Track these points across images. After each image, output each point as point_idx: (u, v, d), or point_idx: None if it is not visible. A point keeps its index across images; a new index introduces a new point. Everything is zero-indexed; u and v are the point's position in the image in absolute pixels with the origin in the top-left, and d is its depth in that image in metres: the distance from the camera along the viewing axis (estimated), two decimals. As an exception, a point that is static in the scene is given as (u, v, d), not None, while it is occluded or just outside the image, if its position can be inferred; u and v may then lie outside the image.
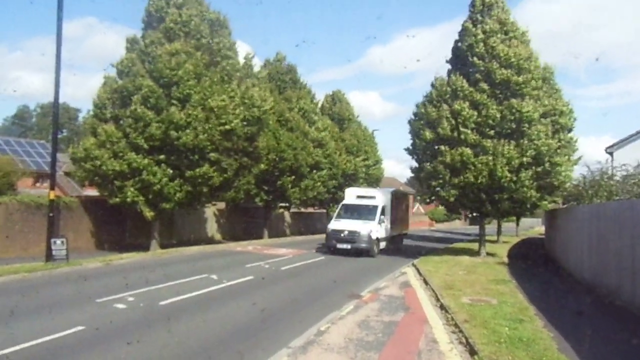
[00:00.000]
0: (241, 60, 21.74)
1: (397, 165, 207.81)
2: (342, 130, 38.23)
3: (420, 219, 69.02)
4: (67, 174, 27.27)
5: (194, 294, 10.85)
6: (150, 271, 13.90)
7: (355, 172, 37.07)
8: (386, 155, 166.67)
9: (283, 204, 31.18)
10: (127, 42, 20.14)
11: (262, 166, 24.30)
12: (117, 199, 18.62)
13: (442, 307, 9.99)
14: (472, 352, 6.80)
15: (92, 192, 24.01)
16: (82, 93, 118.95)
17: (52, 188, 15.62)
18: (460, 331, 7.88)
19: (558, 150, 18.22)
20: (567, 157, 19.02)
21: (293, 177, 27.84)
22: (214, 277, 13.23)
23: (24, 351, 6.63)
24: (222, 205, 29.62)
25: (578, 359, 6.34)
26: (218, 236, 29.64)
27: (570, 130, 20.04)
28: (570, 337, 7.46)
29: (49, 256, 14.71)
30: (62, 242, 15.12)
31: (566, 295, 11.91)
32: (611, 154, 26.16)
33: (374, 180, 40.70)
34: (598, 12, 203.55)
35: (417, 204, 73.77)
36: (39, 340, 7.04)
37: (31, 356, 6.51)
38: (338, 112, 39.19)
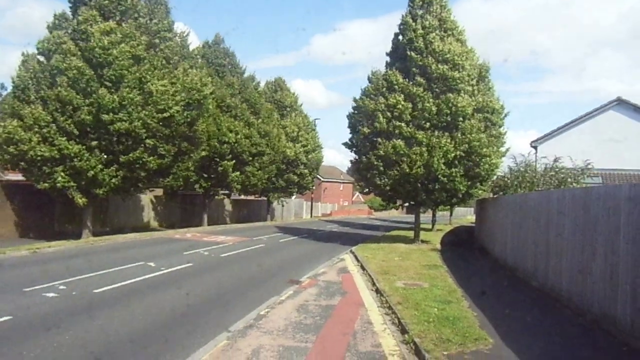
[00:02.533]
0: (178, 40, 21.09)
1: (338, 155, 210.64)
2: (283, 117, 38.32)
3: (359, 208, 70.86)
4: (-14, 156, 25.21)
5: (130, 281, 10.61)
6: (83, 259, 13.39)
7: (296, 157, 37.38)
8: (328, 144, 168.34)
9: (223, 191, 30.80)
10: (55, 18, 18.91)
11: (202, 152, 23.86)
12: (46, 184, 17.64)
13: (377, 291, 10.46)
14: (404, 331, 7.24)
15: (16, 175, 22.46)
16: (2, 69, 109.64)
17: (-30, 171, 14.53)
18: (394, 313, 8.32)
19: (488, 144, 19.34)
20: (495, 148, 20.24)
21: (234, 161, 27.63)
22: (152, 264, 12.97)
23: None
24: (159, 192, 28.83)
25: (495, 333, 6.95)
26: (155, 223, 28.85)
27: (500, 126, 21.34)
28: (491, 315, 8.11)
29: (-33, 244, 13.72)
30: (-18, 229, 14.15)
31: (490, 279, 12.82)
32: (535, 147, 28.21)
33: (314, 166, 41.22)
34: (533, 14, 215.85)
35: (357, 193, 75.42)
36: (-39, 332, 6.66)
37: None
38: (280, 99, 39.23)
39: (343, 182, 74.50)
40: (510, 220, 14.61)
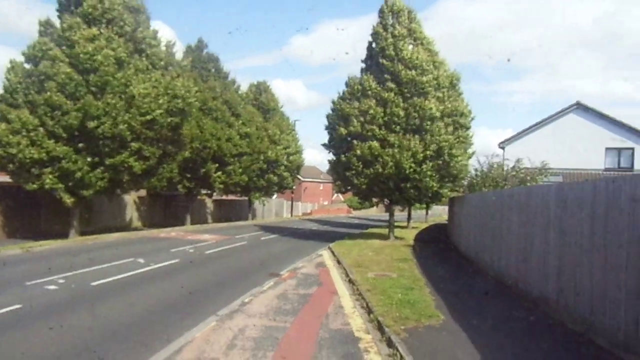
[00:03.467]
0: (163, 48, 21.84)
1: (319, 154, 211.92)
2: (266, 120, 39.20)
3: (339, 207, 72.17)
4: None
5: (123, 275, 11.52)
6: (76, 256, 14.18)
7: (277, 159, 38.35)
8: (308, 144, 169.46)
9: (205, 191, 31.60)
10: (40, 24, 19.50)
11: (186, 154, 24.67)
12: (35, 186, 18.27)
13: (350, 281, 11.58)
14: (370, 312, 8.37)
15: (1, 177, 22.86)
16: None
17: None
18: (363, 298, 9.45)
19: (456, 145, 20.67)
20: (463, 150, 21.63)
21: (217, 164, 28.52)
22: (141, 260, 13.86)
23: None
24: (142, 192, 29.51)
25: (448, 313, 8.13)
26: (138, 223, 29.50)
27: (468, 128, 22.75)
28: (447, 299, 9.31)
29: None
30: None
31: (453, 270, 14.07)
32: (503, 148, 29.84)
33: (295, 168, 42.24)
34: (511, 15, 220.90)
35: (336, 192, 76.69)
36: (-21, 318, 7.52)
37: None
38: (263, 103, 40.07)
39: (323, 182, 75.70)
40: (473, 217, 15.92)
